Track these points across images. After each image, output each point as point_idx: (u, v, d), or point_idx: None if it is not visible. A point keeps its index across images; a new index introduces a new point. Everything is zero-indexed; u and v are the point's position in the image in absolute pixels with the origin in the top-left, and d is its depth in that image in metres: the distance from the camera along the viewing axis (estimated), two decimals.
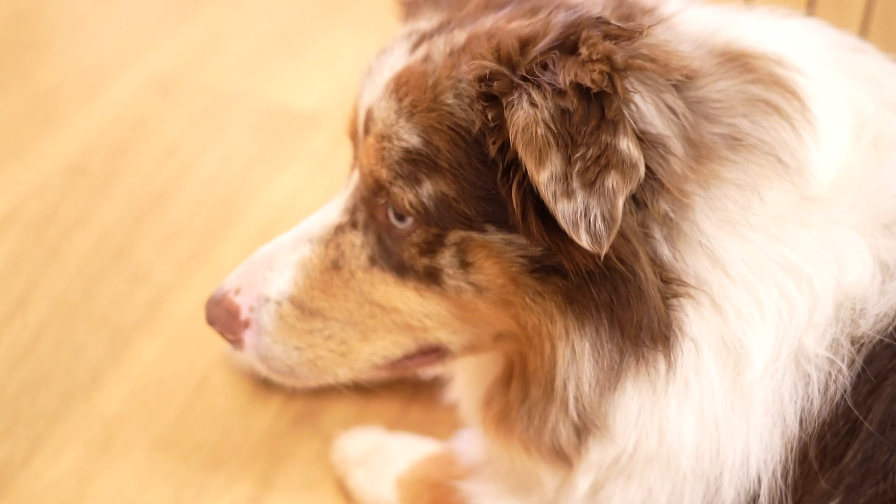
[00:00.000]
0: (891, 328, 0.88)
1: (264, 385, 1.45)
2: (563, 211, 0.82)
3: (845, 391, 0.88)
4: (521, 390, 0.97)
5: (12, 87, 2.03)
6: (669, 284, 0.89)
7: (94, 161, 1.90)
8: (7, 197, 1.79)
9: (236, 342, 1.05)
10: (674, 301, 0.89)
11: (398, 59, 0.98)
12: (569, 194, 0.81)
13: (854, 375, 0.88)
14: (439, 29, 0.98)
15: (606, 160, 0.81)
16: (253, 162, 1.91)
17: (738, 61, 0.92)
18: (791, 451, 0.91)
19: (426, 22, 1.00)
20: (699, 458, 0.92)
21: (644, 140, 0.84)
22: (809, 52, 0.97)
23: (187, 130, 1.97)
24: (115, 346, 1.53)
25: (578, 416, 0.93)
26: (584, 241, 0.81)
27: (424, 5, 1.02)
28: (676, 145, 0.86)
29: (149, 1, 2.28)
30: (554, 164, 0.81)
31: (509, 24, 0.92)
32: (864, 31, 1.53)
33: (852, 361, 0.88)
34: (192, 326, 1.52)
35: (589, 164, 0.81)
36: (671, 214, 0.87)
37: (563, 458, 0.97)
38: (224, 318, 1.05)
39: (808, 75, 0.93)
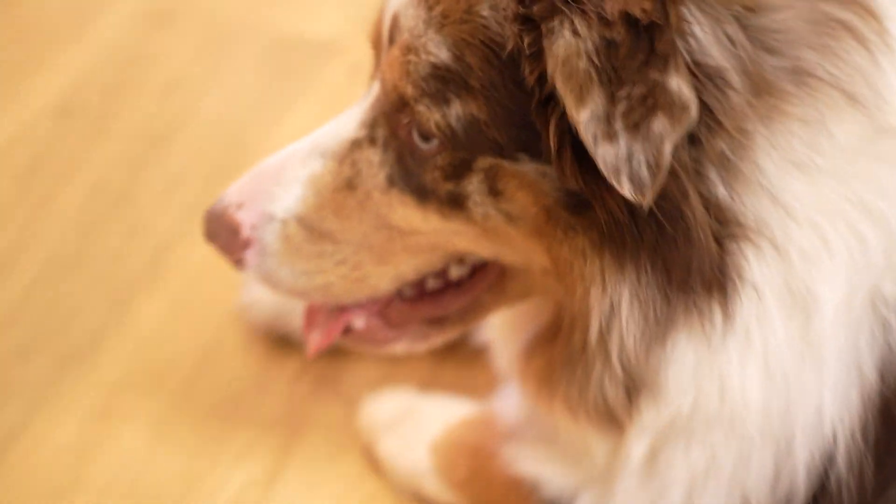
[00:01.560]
0: None
1: (280, 346, 1.40)
2: (604, 155, 0.80)
3: None
4: (565, 343, 0.96)
5: None
6: (725, 226, 0.87)
7: (85, 102, 1.82)
8: None
9: (238, 262, 1.04)
10: (731, 244, 0.87)
11: None
12: (611, 136, 0.80)
13: None
14: None
15: (654, 100, 0.79)
16: (262, 98, 1.84)
17: None
18: (870, 406, 0.89)
19: None
20: (767, 417, 0.90)
21: (700, 72, 0.83)
22: None
23: (188, 65, 1.89)
24: (115, 306, 1.48)
25: (625, 372, 0.91)
26: (625, 188, 0.80)
27: None
28: (735, 79, 0.84)
29: None
30: (596, 102, 0.80)
31: None
32: None
33: None
34: (199, 282, 1.47)
35: (634, 103, 0.79)
36: (728, 154, 0.86)
37: (612, 422, 0.95)
38: (223, 235, 1.04)
39: None
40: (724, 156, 0.85)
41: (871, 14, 0.88)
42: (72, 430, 1.34)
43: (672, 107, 0.79)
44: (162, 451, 1.32)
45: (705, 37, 0.83)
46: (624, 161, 0.79)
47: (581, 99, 0.80)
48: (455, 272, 1.08)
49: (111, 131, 1.75)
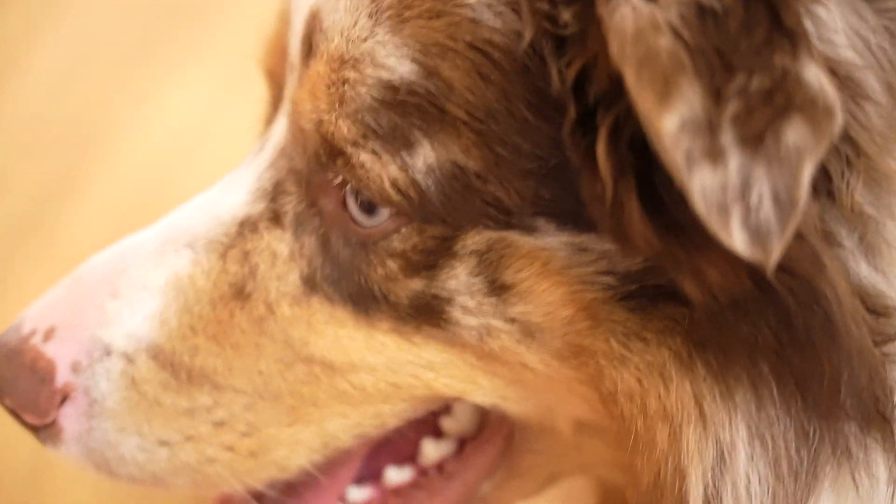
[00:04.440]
0: None
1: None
2: (703, 186, 0.63)
3: None
4: None
5: None
6: (881, 320, 0.73)
7: None
8: None
9: (46, 430, 0.82)
10: (890, 349, 0.74)
11: None
12: (715, 155, 0.64)
13: None
14: None
15: (785, 98, 0.65)
16: (125, 52, 1.57)
17: None
18: None
19: None
20: None
21: (828, 72, 0.69)
22: None
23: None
24: None
25: None
26: (736, 239, 0.63)
27: None
28: (875, 86, 0.72)
29: None
30: (689, 101, 0.65)
31: None
32: None
33: None
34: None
35: (754, 102, 0.65)
36: (869, 208, 0.72)
37: None
38: (23, 385, 0.82)
39: None
40: (862, 211, 0.72)
41: None
42: None
43: (813, 108, 0.64)
44: None
45: (833, 21, 0.71)
46: (736, 194, 0.63)
47: (665, 97, 0.64)
48: (433, 452, 0.88)
49: None
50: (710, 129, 0.65)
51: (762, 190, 0.64)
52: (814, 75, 0.65)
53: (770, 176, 0.64)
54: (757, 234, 0.64)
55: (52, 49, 1.59)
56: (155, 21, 1.66)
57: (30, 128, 1.52)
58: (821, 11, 0.70)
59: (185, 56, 1.56)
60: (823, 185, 0.71)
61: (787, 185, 0.64)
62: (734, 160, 0.64)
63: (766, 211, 0.64)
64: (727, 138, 0.64)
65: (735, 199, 0.64)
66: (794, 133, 0.64)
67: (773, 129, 0.64)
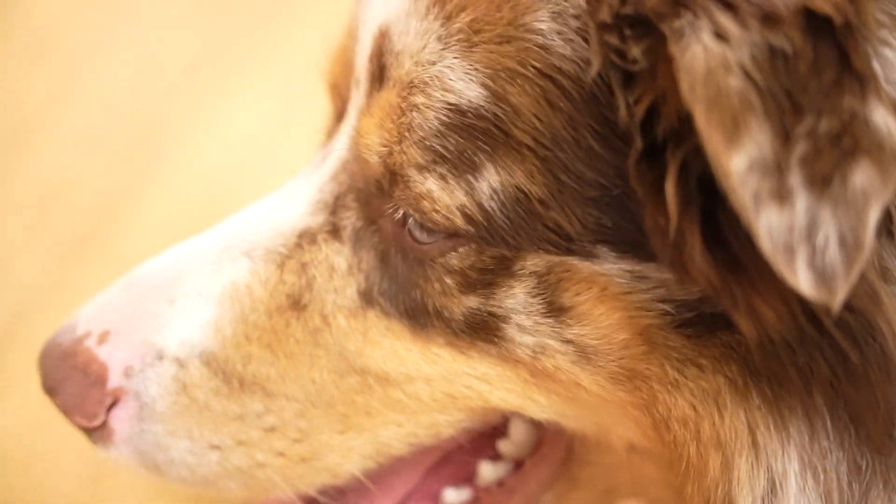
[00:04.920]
0: None
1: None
2: (770, 226, 0.63)
3: None
4: None
5: None
6: None
7: None
8: None
9: (98, 431, 0.82)
10: None
11: None
12: (782, 196, 0.63)
13: None
14: None
15: (853, 141, 0.64)
16: (192, 55, 1.60)
17: None
18: None
19: None
20: None
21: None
22: None
23: (69, 4, 1.63)
24: None
25: None
26: (801, 280, 0.62)
27: None
28: None
29: None
30: (758, 142, 0.64)
31: None
32: None
33: None
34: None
35: (822, 145, 0.64)
36: None
37: None
38: (75, 386, 0.82)
39: None
40: None
41: None
42: None
43: (881, 151, 0.64)
44: None
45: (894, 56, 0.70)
46: (803, 235, 0.63)
47: (734, 137, 0.64)
48: (489, 474, 0.87)
49: None
50: (778, 170, 0.64)
51: (828, 232, 0.63)
52: (882, 119, 0.64)
53: (836, 218, 0.63)
54: (822, 276, 0.63)
55: (116, 60, 1.61)
56: (218, 33, 1.71)
57: (95, 136, 1.54)
58: (889, 54, 0.69)
59: (248, 68, 1.59)
60: (883, 223, 0.70)
61: (853, 228, 0.63)
62: (801, 201, 0.63)
63: (832, 253, 0.63)
64: (795, 179, 0.64)
65: (802, 239, 0.63)
66: (862, 176, 0.64)
67: (841, 172, 0.64)
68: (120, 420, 0.84)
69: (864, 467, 0.74)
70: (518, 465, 0.90)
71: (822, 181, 0.65)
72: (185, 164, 1.41)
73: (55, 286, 1.47)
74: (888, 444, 0.74)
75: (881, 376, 0.72)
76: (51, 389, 0.85)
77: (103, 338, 0.84)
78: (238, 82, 1.59)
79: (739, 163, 0.65)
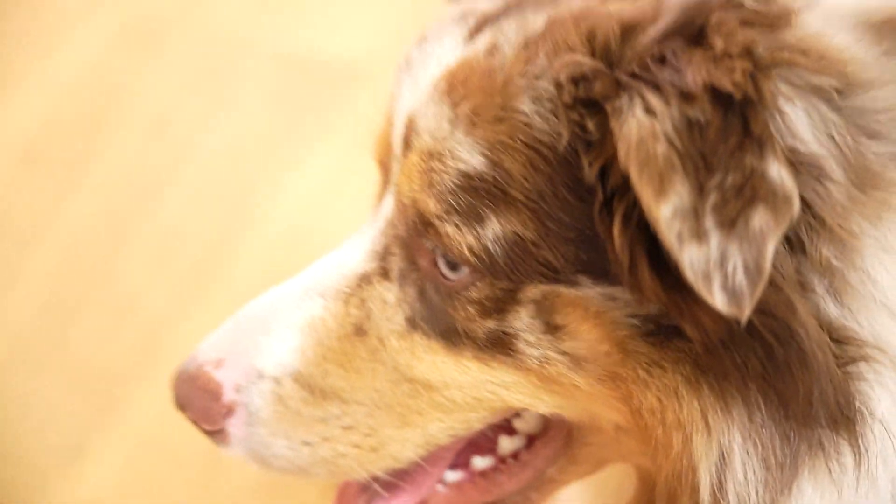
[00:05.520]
0: None
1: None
2: (691, 258, 0.75)
3: None
4: None
5: None
6: (844, 346, 0.84)
7: (53, 145, 1.77)
8: None
9: (218, 435, 0.98)
10: (853, 369, 0.84)
11: (450, 50, 0.93)
12: (700, 236, 0.75)
13: None
14: (506, 11, 0.93)
15: (752, 191, 0.75)
16: (272, 134, 1.81)
17: None
18: None
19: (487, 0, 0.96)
20: None
21: (795, 161, 0.80)
22: None
23: (179, 95, 1.86)
24: (99, 405, 1.42)
25: None
26: (717, 300, 0.75)
27: None
28: (835, 169, 0.81)
29: None
30: (680, 193, 0.76)
31: (604, 5, 0.88)
32: None
33: None
34: None
35: (728, 195, 0.76)
36: (834, 261, 0.83)
37: None
38: (199, 401, 0.97)
39: None
40: (829, 264, 0.82)
41: None
42: None
43: (774, 198, 0.75)
44: None
45: (798, 118, 0.80)
46: (716, 265, 0.75)
47: (661, 191, 0.76)
48: (508, 445, 1.00)
49: (84, 181, 1.70)
50: (695, 215, 0.75)
51: (736, 262, 0.75)
52: (776, 172, 0.75)
53: (741, 251, 0.75)
54: (733, 296, 0.75)
55: (217, 136, 1.78)
56: (291, 119, 1.78)
57: (205, 195, 1.69)
58: (789, 110, 0.79)
59: (314, 146, 1.74)
60: (798, 246, 0.82)
61: (755, 259, 0.75)
62: (714, 239, 0.75)
63: (740, 278, 0.75)
64: (709, 223, 0.75)
65: (716, 269, 0.75)
66: (759, 218, 0.75)
67: (744, 216, 0.75)
68: (234, 426, 0.96)
69: (791, 437, 0.84)
70: (530, 441, 1.01)
71: (730, 223, 0.75)
72: (270, 220, 1.57)
73: (177, 314, 1.51)
74: (809, 418, 0.84)
75: (800, 368, 0.82)
76: (182, 406, 0.98)
77: (219, 364, 0.96)
78: (306, 157, 1.75)
79: (666, 211, 0.75)
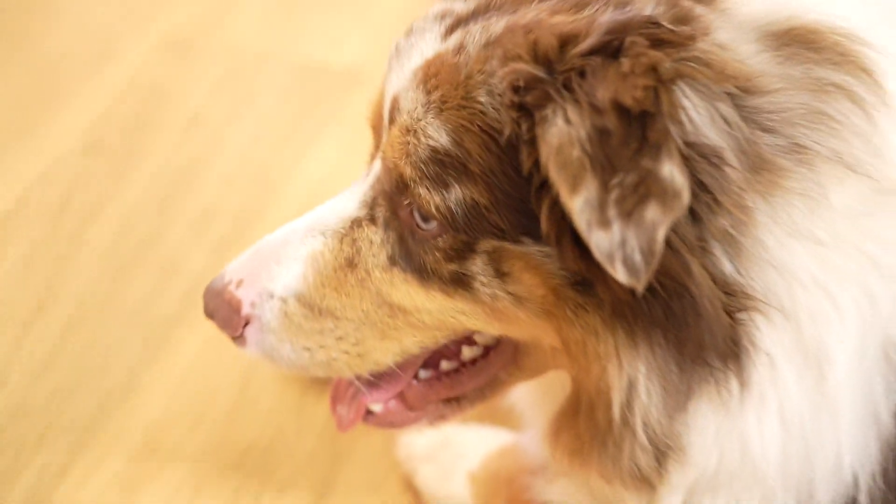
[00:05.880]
0: None
1: (317, 379, 1.41)
2: (598, 241, 0.79)
3: None
4: (589, 420, 0.95)
5: (15, 58, 1.96)
6: (734, 298, 0.87)
7: (110, 138, 1.83)
8: (14, 184, 1.73)
9: (237, 338, 1.03)
10: (741, 315, 0.87)
11: (429, 44, 0.94)
12: (604, 224, 0.79)
13: None
14: (476, 14, 0.94)
15: (646, 188, 0.78)
16: (286, 130, 1.86)
17: (803, 41, 0.89)
18: (889, 449, 0.89)
19: (462, 2, 0.96)
20: (786, 466, 0.91)
21: (696, 152, 0.82)
22: (874, 5, 0.95)
23: (211, 97, 1.92)
24: (150, 345, 1.49)
25: (651, 442, 0.91)
26: (619, 274, 0.79)
27: None
28: (732, 157, 0.84)
29: None
30: (589, 189, 0.79)
31: (552, 18, 0.88)
32: None
33: None
34: None
35: (627, 192, 0.78)
36: (731, 230, 0.85)
37: (645, 484, 0.95)
38: (223, 312, 1.02)
39: (879, 45, 0.89)
40: (727, 232, 0.85)
41: (866, 72, 0.88)
42: (116, 468, 1.36)
43: (664, 194, 0.78)
44: (206, 486, 1.34)
45: (700, 118, 0.82)
46: (618, 247, 0.79)
47: (574, 187, 0.80)
48: (468, 353, 1.07)
49: (137, 168, 1.77)
50: (601, 207, 0.78)
51: (633, 245, 0.78)
52: (668, 172, 0.77)
53: (637, 237, 0.78)
54: (632, 271, 0.78)
55: (244, 128, 1.87)
56: (303, 115, 1.88)
57: (235, 173, 1.79)
58: (692, 112, 0.82)
59: (323, 136, 1.84)
60: (700, 218, 0.84)
61: (648, 243, 0.78)
62: (616, 227, 0.78)
63: (637, 258, 0.78)
64: (612, 213, 0.78)
65: (617, 250, 0.78)
66: (652, 211, 0.78)
67: (639, 209, 0.77)
68: (250, 333, 1.02)
69: (686, 367, 0.88)
70: (486, 351, 1.06)
71: (628, 215, 0.78)
72: (286, 198, 1.64)
73: (212, 272, 1.38)
74: (700, 355, 0.88)
75: (693, 316, 0.86)
76: (209, 314, 1.03)
77: (239, 283, 1.01)
78: (316, 147, 1.83)
79: (578, 203, 0.79)
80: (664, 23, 0.84)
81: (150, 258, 1.63)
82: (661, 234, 0.78)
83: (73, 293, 1.57)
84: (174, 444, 1.38)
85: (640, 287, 0.80)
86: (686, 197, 0.78)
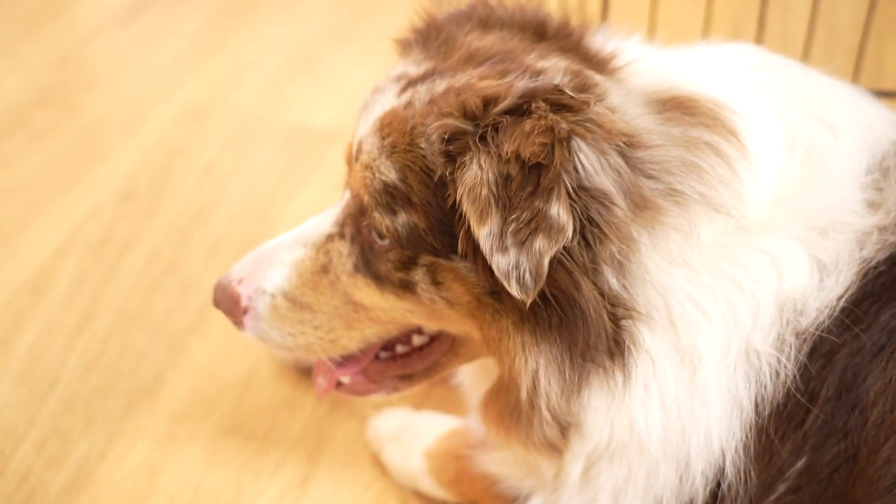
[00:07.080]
0: (834, 314, 0.98)
1: (305, 376, 1.57)
2: (498, 263, 0.89)
3: (796, 374, 0.97)
4: (507, 399, 1.04)
5: (64, 124, 2.15)
6: (619, 309, 0.95)
7: (141, 186, 2.01)
8: (66, 223, 1.90)
9: (238, 324, 1.14)
10: (626, 322, 0.95)
11: (387, 100, 1.04)
12: (503, 249, 0.88)
13: (804, 359, 0.97)
14: (424, 77, 1.05)
15: (536, 224, 0.87)
16: (280, 178, 2.03)
17: (681, 107, 1.00)
18: (750, 429, 0.98)
19: (415, 67, 1.07)
20: (667, 442, 1.01)
21: (588, 195, 0.90)
22: (741, 80, 1.05)
23: (220, 152, 2.09)
24: (173, 350, 1.64)
25: (554, 418, 1.00)
26: (513, 290, 0.88)
27: (416, 48, 1.10)
28: (618, 198, 0.91)
29: (178, 39, 2.41)
30: (493, 222, 0.88)
31: (480, 83, 0.98)
32: (809, 38, 1.66)
33: (800, 349, 0.97)
34: None
35: (521, 226, 0.87)
36: (618, 256, 0.93)
37: (554, 451, 1.05)
38: (227, 303, 1.13)
39: (743, 112, 0.99)
40: (614, 257, 0.93)
41: (732, 133, 0.98)
42: (144, 452, 1.49)
43: (551, 229, 0.86)
44: (216, 465, 1.47)
45: (592, 167, 0.89)
46: (513, 268, 0.87)
47: (482, 219, 0.88)
48: (417, 340, 1.17)
49: (163, 209, 1.95)
50: (501, 236, 0.87)
51: (525, 268, 0.87)
52: (556, 211, 0.85)
53: (528, 262, 0.86)
54: (523, 288, 0.87)
55: (245, 177, 2.03)
56: (292, 166, 2.02)
57: (236, 216, 1.95)
58: (583, 159, 0.89)
59: (308, 183, 2.00)
60: (591, 245, 0.91)
61: (536, 266, 0.86)
62: (512, 253, 0.87)
63: (527, 278, 0.87)
64: (509, 242, 0.87)
65: (513, 271, 0.87)
66: (539, 242, 0.86)
67: (530, 240, 0.86)
68: (247, 320, 1.12)
69: (579, 361, 0.96)
70: (431, 339, 1.17)
71: (521, 244, 0.86)
72: (278, 230, 1.41)
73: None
74: (590, 353, 0.96)
75: (582, 323, 0.94)
76: (217, 305, 1.13)
77: (240, 281, 1.12)
78: (302, 192, 1.99)
79: (484, 232, 0.88)
80: (567, 90, 0.91)
81: (173, 280, 1.78)
82: (546, 261, 0.86)
83: (111, 309, 1.72)
84: (190, 432, 1.51)
85: (528, 300, 0.88)
86: (569, 231, 0.86)
